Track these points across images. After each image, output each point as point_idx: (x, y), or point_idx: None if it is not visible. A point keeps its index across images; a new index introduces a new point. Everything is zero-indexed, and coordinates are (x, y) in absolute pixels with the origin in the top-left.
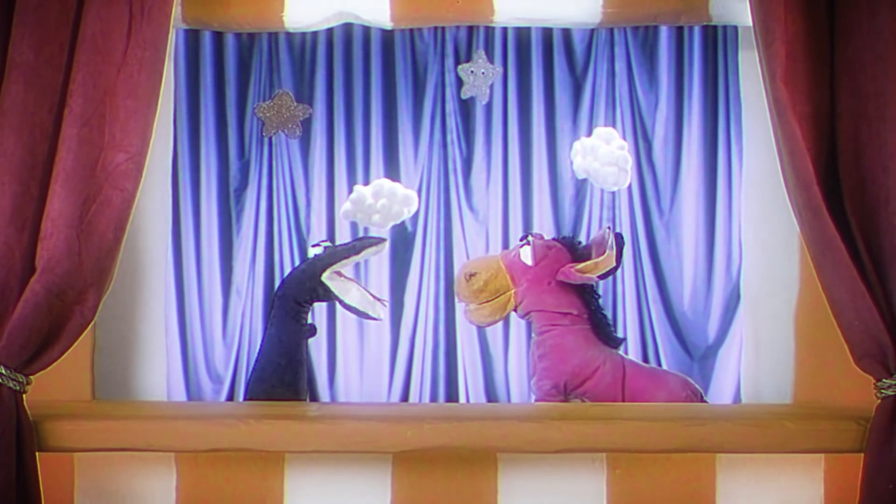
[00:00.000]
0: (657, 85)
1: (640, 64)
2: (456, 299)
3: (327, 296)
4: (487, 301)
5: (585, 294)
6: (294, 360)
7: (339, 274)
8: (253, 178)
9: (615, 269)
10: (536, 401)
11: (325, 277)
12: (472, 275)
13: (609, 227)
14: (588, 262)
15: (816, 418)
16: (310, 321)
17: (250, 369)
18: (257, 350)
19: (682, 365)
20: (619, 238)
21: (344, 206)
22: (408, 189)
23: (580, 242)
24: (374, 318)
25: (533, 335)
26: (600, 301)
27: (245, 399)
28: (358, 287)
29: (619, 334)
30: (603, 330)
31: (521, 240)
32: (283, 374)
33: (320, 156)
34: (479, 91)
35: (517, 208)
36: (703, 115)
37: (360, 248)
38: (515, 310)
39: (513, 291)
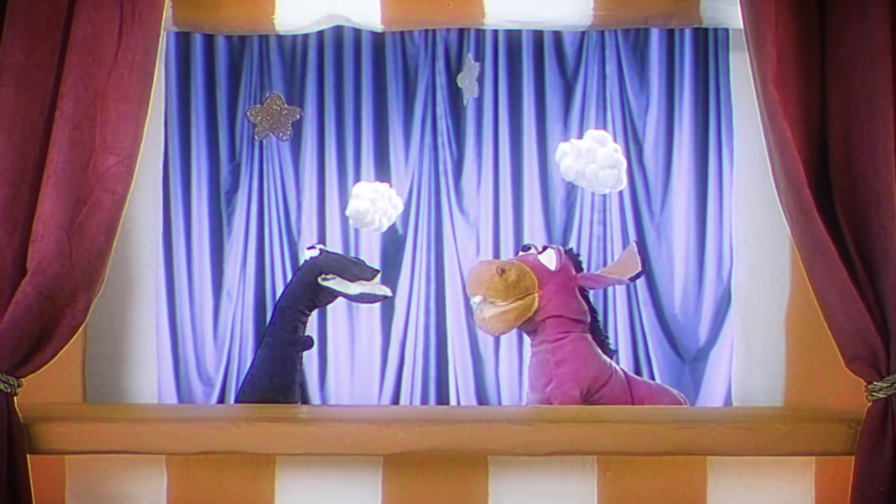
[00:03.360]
0: (648, 87)
1: (631, 66)
2: (475, 302)
3: (328, 298)
4: (517, 300)
5: (590, 303)
6: (288, 371)
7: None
8: (244, 181)
9: (641, 273)
10: None
11: (321, 281)
12: (503, 270)
13: (636, 241)
14: (609, 269)
15: (807, 421)
16: (307, 332)
17: (242, 378)
18: (251, 360)
19: (673, 368)
20: (637, 245)
21: (361, 205)
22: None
23: (578, 255)
24: (387, 296)
25: (541, 345)
26: (597, 312)
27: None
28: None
29: (612, 345)
30: (601, 340)
31: (523, 249)
32: (275, 385)
33: (311, 158)
34: (473, 90)
35: (508, 211)
36: (694, 118)
37: (358, 274)
38: (533, 316)
39: (537, 294)
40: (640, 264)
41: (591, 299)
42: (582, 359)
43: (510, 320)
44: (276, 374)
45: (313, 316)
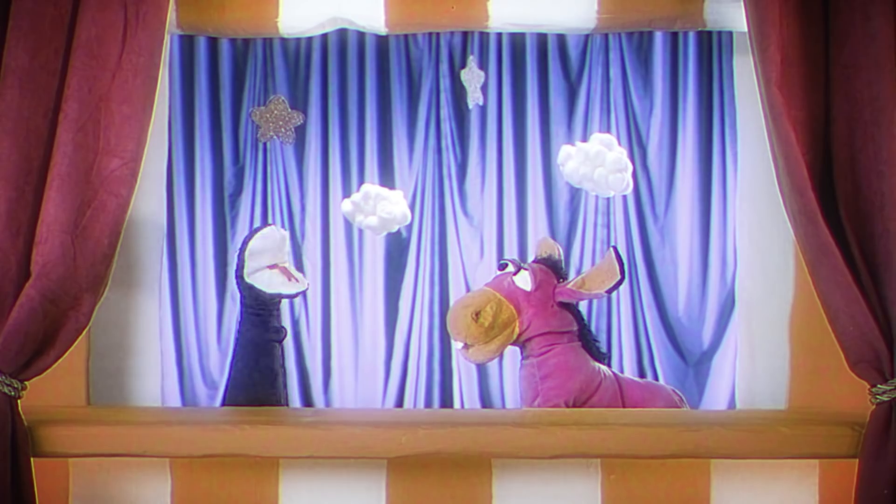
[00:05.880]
0: (652, 90)
1: (635, 69)
2: (454, 339)
3: (260, 295)
4: (495, 337)
5: (575, 311)
6: (267, 365)
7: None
8: (248, 184)
9: (621, 281)
10: None
11: (249, 279)
12: (477, 313)
13: (614, 247)
14: (589, 275)
15: (811, 424)
16: (281, 324)
17: (226, 377)
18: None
19: (677, 371)
20: (615, 250)
21: (406, 209)
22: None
23: (559, 260)
24: (296, 293)
25: (528, 359)
26: (584, 318)
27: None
28: (274, 272)
29: (604, 349)
30: (591, 346)
31: (499, 269)
32: (258, 381)
33: (315, 161)
34: (476, 95)
35: (511, 214)
36: (698, 121)
37: (245, 243)
38: (517, 338)
39: (517, 322)
40: (619, 272)
41: (585, 309)
42: (566, 371)
43: (493, 351)
44: (257, 369)
45: (315, 318)
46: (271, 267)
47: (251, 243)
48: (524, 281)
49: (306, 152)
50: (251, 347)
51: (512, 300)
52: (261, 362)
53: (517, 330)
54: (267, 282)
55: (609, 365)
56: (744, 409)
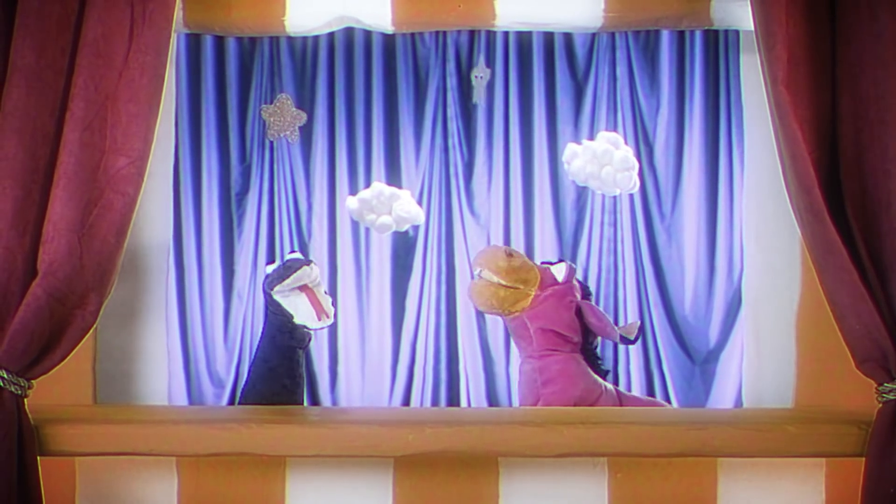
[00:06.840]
0: (658, 89)
1: (642, 68)
2: (475, 265)
3: (286, 313)
4: (509, 286)
5: (585, 328)
6: (290, 368)
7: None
8: (254, 182)
9: (618, 342)
10: None
11: (276, 296)
12: (511, 254)
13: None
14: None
15: (818, 422)
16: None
17: (245, 376)
18: (252, 356)
19: (684, 369)
20: (641, 329)
21: (415, 207)
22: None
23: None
24: (315, 329)
25: (528, 361)
26: (594, 343)
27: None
28: (305, 299)
29: (606, 367)
30: (594, 361)
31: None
32: (278, 382)
33: (322, 160)
34: (481, 95)
35: (518, 212)
36: (705, 119)
37: (288, 272)
38: (526, 316)
39: (533, 293)
40: (633, 336)
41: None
42: (568, 378)
43: (499, 296)
44: (279, 372)
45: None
46: (301, 288)
47: (283, 283)
48: (558, 271)
49: (313, 151)
50: (275, 352)
51: (542, 274)
52: (284, 367)
53: (529, 301)
54: (294, 307)
55: (613, 380)
56: (750, 408)
